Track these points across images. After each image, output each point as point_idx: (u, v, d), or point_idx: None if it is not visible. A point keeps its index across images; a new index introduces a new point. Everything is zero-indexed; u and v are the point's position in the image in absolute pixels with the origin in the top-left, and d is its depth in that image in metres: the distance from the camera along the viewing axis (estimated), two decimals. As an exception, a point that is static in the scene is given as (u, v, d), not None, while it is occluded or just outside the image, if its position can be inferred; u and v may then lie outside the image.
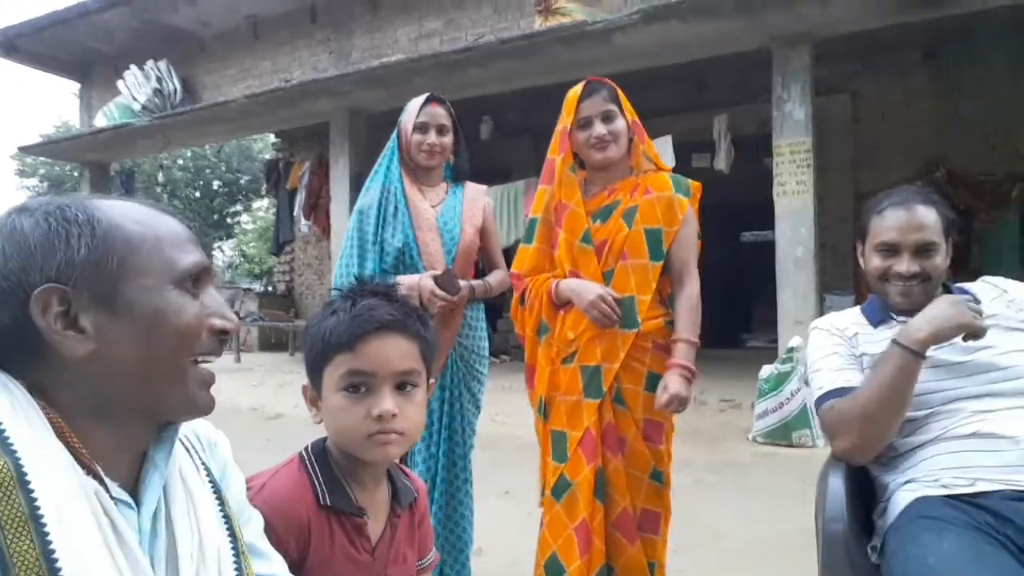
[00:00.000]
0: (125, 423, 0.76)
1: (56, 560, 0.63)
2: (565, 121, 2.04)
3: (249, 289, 13.89)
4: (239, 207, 23.24)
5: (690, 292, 2.00)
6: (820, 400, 1.68)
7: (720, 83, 7.80)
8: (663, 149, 6.74)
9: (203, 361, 0.79)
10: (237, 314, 11.53)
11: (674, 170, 2.17)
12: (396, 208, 2.36)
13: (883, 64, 7.76)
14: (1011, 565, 1.29)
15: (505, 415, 5.16)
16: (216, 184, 22.51)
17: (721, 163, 7.32)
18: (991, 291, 1.71)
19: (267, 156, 13.57)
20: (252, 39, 9.27)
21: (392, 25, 8.22)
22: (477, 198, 2.48)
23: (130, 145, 9.56)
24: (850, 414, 1.57)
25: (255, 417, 6.34)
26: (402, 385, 1.10)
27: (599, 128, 1.99)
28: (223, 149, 20.89)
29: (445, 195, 2.45)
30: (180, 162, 21.49)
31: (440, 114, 2.37)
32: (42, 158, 20.05)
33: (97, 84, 10.84)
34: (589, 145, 2.01)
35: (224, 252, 25.06)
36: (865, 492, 1.65)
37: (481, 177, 2.56)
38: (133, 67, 9.46)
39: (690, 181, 2.08)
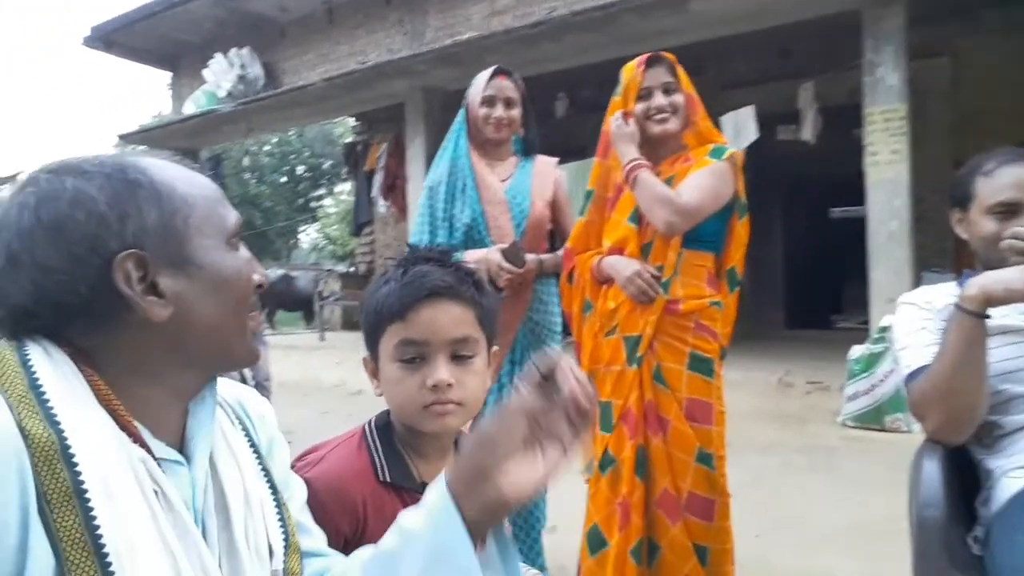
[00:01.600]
0: (179, 380, 0.76)
1: (100, 536, 0.62)
2: (625, 95, 2.04)
3: (332, 270, 14.29)
4: (322, 191, 23.92)
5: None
6: (908, 378, 1.55)
7: (805, 50, 7.44)
8: (745, 121, 6.49)
9: (252, 317, 0.82)
10: (320, 294, 11.92)
11: (757, 143, 2.10)
12: (464, 183, 2.34)
13: (988, 22, 7.19)
14: None
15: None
16: (300, 169, 23.21)
17: (807, 134, 6.99)
18: None
19: (347, 140, 13.86)
20: (328, 24, 9.45)
21: (465, 3, 8.21)
22: (547, 171, 2.43)
23: (216, 131, 9.94)
24: (930, 389, 1.45)
25: (338, 393, 6.52)
26: (458, 353, 1.06)
27: (659, 99, 1.97)
28: (304, 134, 21.47)
29: (514, 169, 2.42)
30: (266, 148, 22.26)
31: (507, 87, 2.33)
32: (140, 147, 21.18)
33: (186, 73, 11.32)
34: (647, 116, 1.99)
35: (309, 235, 25.89)
36: (967, 478, 1.52)
37: (556, 155, 2.52)
38: (218, 55, 9.81)
39: (732, 150, 2.00)
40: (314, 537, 0.92)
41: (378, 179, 9.42)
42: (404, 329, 1.04)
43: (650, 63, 2.00)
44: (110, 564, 0.62)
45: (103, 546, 0.62)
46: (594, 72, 7.45)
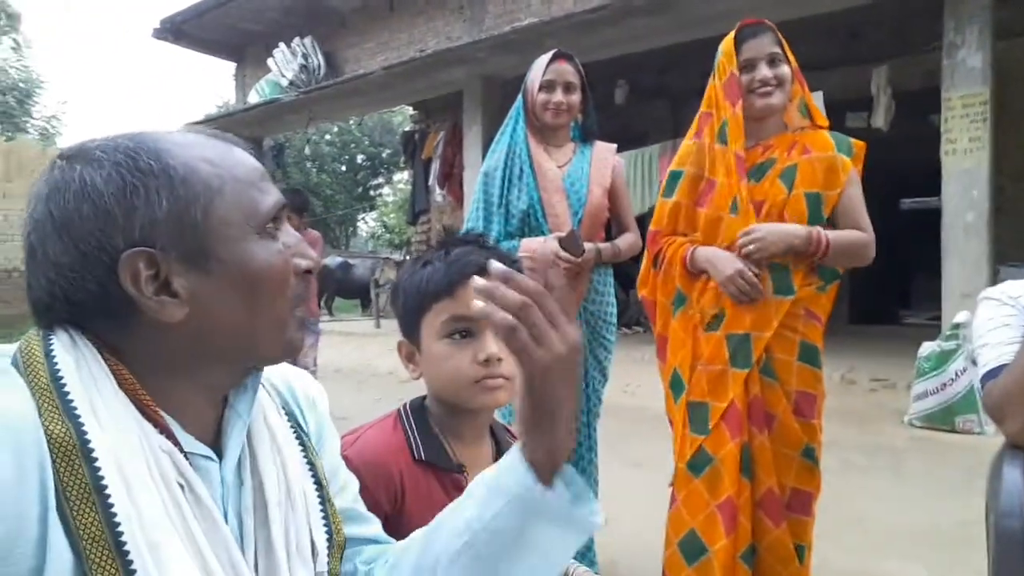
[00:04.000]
0: (209, 376, 0.72)
1: (121, 533, 0.60)
2: (728, 66, 1.86)
3: (388, 258, 14.47)
4: (381, 179, 24.25)
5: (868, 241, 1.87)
6: (986, 377, 1.46)
7: (877, 32, 7.14)
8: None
9: (299, 308, 0.76)
10: (376, 282, 12.08)
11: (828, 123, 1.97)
12: (521, 169, 2.31)
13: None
14: None
15: (636, 386, 5.05)
16: (360, 158, 23.57)
17: (880, 121, 6.70)
18: None
19: (406, 128, 13.98)
20: (389, 12, 9.52)
21: (525, -13, 8.15)
22: (606, 157, 2.38)
23: (279, 120, 10.14)
24: (1013, 389, 1.35)
25: (391, 380, 6.60)
26: None
27: (764, 71, 1.82)
28: (364, 123, 21.78)
29: (572, 155, 2.37)
30: (327, 137, 22.65)
31: (567, 71, 2.27)
32: (207, 136, 21.82)
33: (250, 63, 11.58)
34: (751, 89, 1.84)
35: (367, 223, 26.27)
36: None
37: (615, 142, 2.46)
38: (282, 45, 10.00)
39: (853, 140, 1.90)
40: (370, 524, 0.90)
41: (435, 167, 9.47)
42: (453, 306, 1.06)
43: (752, 33, 1.84)
44: (131, 562, 0.59)
45: (124, 543, 0.59)
46: (654, 58, 7.33)
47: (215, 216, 0.67)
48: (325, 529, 0.79)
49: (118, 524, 0.60)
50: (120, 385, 0.65)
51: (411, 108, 11.69)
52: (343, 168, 23.44)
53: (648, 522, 2.71)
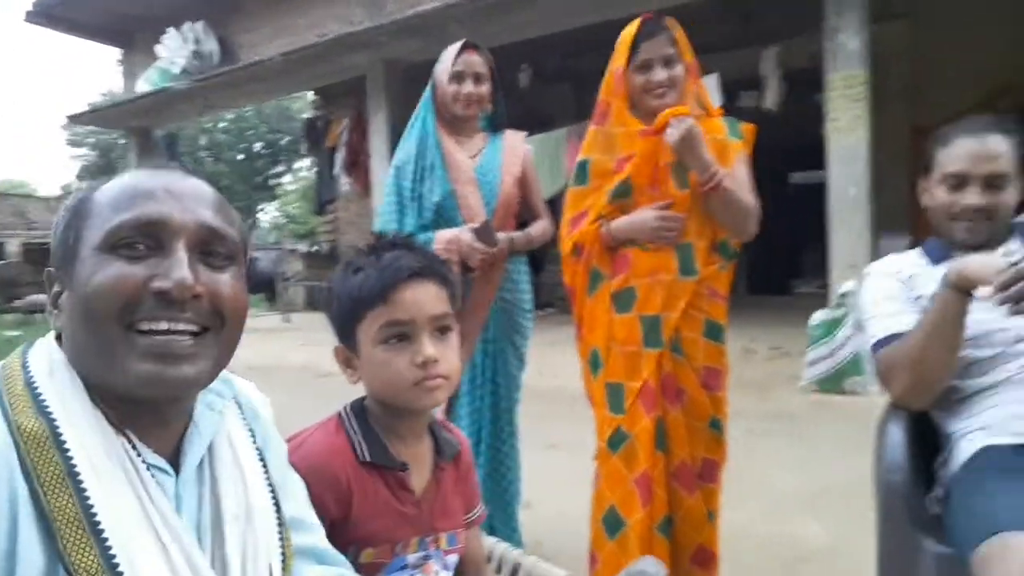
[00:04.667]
0: (111, 399, 0.73)
1: (95, 515, 0.64)
2: (619, 61, 1.93)
3: (294, 250, 14.08)
4: (281, 168, 23.52)
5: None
6: (876, 346, 1.60)
7: (769, 15, 7.46)
8: (710, 88, 6.51)
9: (149, 330, 0.70)
10: (282, 275, 11.75)
11: (721, 109, 2.07)
12: (433, 162, 2.32)
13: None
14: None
15: (552, 368, 5.15)
16: (258, 146, 22.76)
17: (770, 101, 7.07)
18: None
19: (306, 115, 13.59)
20: (284, -5, 9.20)
21: (426, -28, 8.05)
22: (516, 147, 2.42)
23: (170, 109, 9.67)
24: (901, 357, 1.50)
25: (305, 375, 6.47)
26: (438, 329, 1.11)
27: (659, 74, 1.88)
28: (262, 110, 21.04)
29: (483, 146, 2.40)
30: (222, 125, 21.73)
31: (476, 62, 2.29)
32: (91, 127, 20.48)
33: (138, 50, 10.95)
34: (647, 90, 1.91)
35: (268, 213, 25.43)
36: (927, 441, 1.59)
37: (521, 127, 2.49)
38: (171, 30, 9.50)
39: (743, 124, 2.01)
40: (313, 533, 0.93)
41: (340, 156, 9.30)
42: (388, 311, 1.08)
43: (650, 33, 1.90)
44: (107, 539, 0.64)
45: (98, 523, 0.64)
46: (559, 41, 7.40)
47: (81, 237, 0.73)
48: (280, 549, 0.82)
49: (92, 507, 0.64)
50: (88, 394, 0.71)
51: (312, 94, 11.40)
52: (240, 157, 22.57)
53: (570, 502, 2.79)
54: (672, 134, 1.82)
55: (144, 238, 0.72)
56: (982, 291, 1.34)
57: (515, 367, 2.41)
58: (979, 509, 1.27)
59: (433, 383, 1.08)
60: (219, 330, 0.75)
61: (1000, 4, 7.19)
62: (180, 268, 0.71)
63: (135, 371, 0.69)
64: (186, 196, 0.75)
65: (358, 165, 9.05)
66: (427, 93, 2.38)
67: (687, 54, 1.94)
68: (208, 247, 0.75)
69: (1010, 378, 1.46)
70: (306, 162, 22.07)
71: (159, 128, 10.96)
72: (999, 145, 1.54)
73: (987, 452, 1.40)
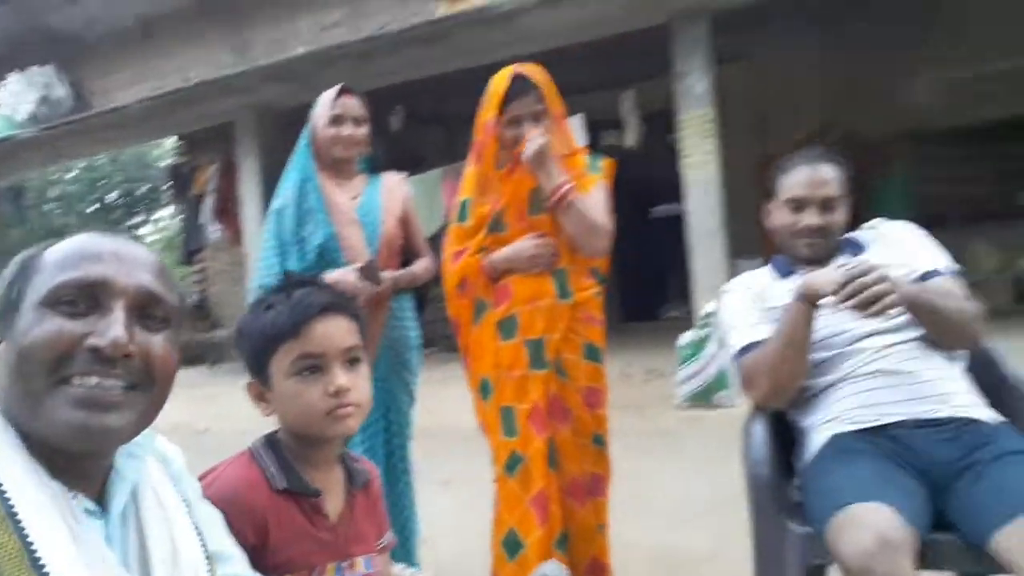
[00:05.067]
0: (43, 446, 0.75)
1: (35, 551, 0.66)
2: (490, 113, 2.04)
3: (160, 301, 13.29)
4: (140, 218, 22.20)
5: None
6: (737, 356, 1.79)
7: (625, 60, 7.96)
8: (575, 129, 6.86)
9: (80, 384, 0.74)
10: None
11: (586, 148, 2.24)
12: (314, 204, 2.34)
13: (777, 31, 8.07)
14: (911, 484, 1.43)
15: (439, 406, 5.17)
16: (112, 195, 21.44)
17: (631, 139, 7.51)
18: (870, 235, 1.87)
19: (166, 162, 13.01)
20: (144, 39, 8.85)
21: (293, 17, 8.02)
22: (396, 188, 2.48)
23: (14, 159, 8.97)
24: (760, 363, 1.69)
25: (183, 432, 6.12)
26: (349, 361, 1.16)
27: (529, 129, 2.00)
28: (117, 158, 19.90)
29: (363, 187, 2.44)
30: (71, 175, 20.35)
31: (354, 105, 2.36)
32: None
33: (-25, 95, 10.11)
34: (516, 142, 2.02)
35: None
36: (786, 438, 1.77)
37: (395, 168, 2.55)
38: (14, 75, 8.88)
39: (603, 159, 2.17)
40: (235, 562, 0.95)
41: (208, 203, 8.96)
42: (300, 345, 1.13)
43: (519, 91, 2.01)
44: (48, 574, 0.66)
45: (39, 559, 0.66)
46: (431, 84, 7.56)
47: (24, 293, 0.76)
48: None
49: (32, 544, 0.67)
50: (23, 443, 0.73)
51: (173, 140, 10.96)
52: (93, 208, 21.16)
53: (467, 535, 2.83)
54: (527, 150, 1.96)
55: (85, 297, 0.76)
56: (827, 300, 1.55)
57: (406, 403, 2.44)
58: (828, 488, 1.45)
59: (345, 411, 1.13)
60: (147, 389, 0.78)
61: (823, 50, 8.08)
62: (116, 327, 0.75)
63: (63, 419, 0.72)
64: (130, 260, 0.79)
65: (228, 212, 8.75)
66: (304, 137, 2.41)
67: (554, 104, 2.07)
68: (146, 310, 0.79)
69: (849, 374, 1.67)
70: (167, 211, 21.01)
71: (2, 180, 10.16)
72: (830, 172, 1.78)
73: (833, 440, 1.59)
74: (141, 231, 22.49)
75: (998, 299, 6.93)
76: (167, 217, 21.41)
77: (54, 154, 8.90)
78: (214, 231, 9.19)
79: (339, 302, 1.18)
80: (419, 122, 8.87)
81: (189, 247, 9.87)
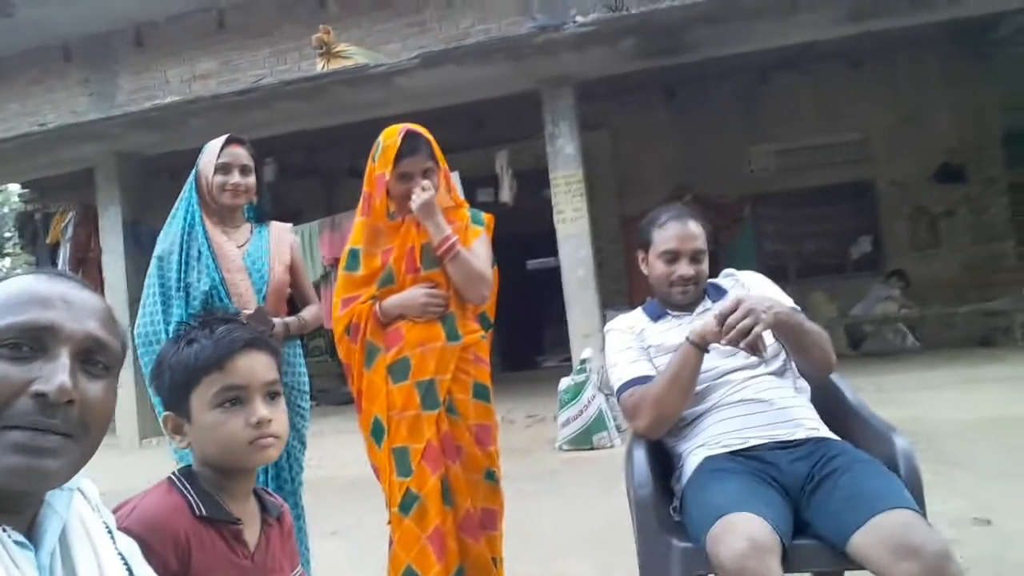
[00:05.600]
0: None
1: None
2: (383, 168, 2.12)
3: None
4: (-26, 268, 20.19)
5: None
6: (620, 389, 1.96)
7: (498, 121, 8.34)
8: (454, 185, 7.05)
9: (19, 426, 0.74)
10: None
11: (466, 202, 2.38)
12: (200, 251, 2.33)
13: (634, 103, 8.78)
14: (776, 497, 1.63)
15: (319, 458, 5.07)
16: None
17: (505, 196, 7.80)
18: (730, 281, 2.13)
19: (7, 209, 12.02)
20: (-10, 79, 8.29)
21: (161, 65, 7.82)
22: (283, 237, 2.52)
23: None
24: (646, 397, 1.86)
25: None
26: (269, 394, 1.21)
27: (420, 185, 2.10)
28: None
29: (250, 235, 2.46)
30: None
31: (242, 154, 2.39)
32: None
33: None
34: (406, 197, 2.12)
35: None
36: (664, 464, 1.94)
37: (268, 219, 2.58)
38: None
39: (485, 215, 2.32)
40: None
41: (65, 252, 8.38)
42: (223, 377, 1.17)
43: (411, 149, 2.10)
44: None
45: None
46: (303, 138, 7.56)
47: None
48: None
49: None
50: None
51: (19, 186, 10.20)
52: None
53: (358, 584, 2.82)
54: (415, 200, 2.08)
55: (31, 341, 0.76)
56: (716, 344, 1.75)
57: (297, 450, 2.43)
58: (705, 502, 1.62)
59: (266, 442, 1.18)
60: (82, 438, 0.79)
61: (672, 121, 8.85)
62: (62, 374, 0.76)
63: (5, 464, 0.73)
64: (78, 306, 0.80)
65: (87, 262, 8.21)
66: (189, 184, 2.40)
67: (441, 160, 2.20)
68: (90, 356, 0.80)
69: (716, 403, 1.88)
70: (7, 262, 19.27)
71: None
72: (696, 228, 2.03)
73: (706, 462, 1.78)
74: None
75: (835, 344, 7.64)
76: (6, 268, 19.61)
77: None
78: (69, 283, 8.56)
79: (260, 338, 1.23)
80: (293, 175, 8.79)
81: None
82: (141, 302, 2.37)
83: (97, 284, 7.93)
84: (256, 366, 1.19)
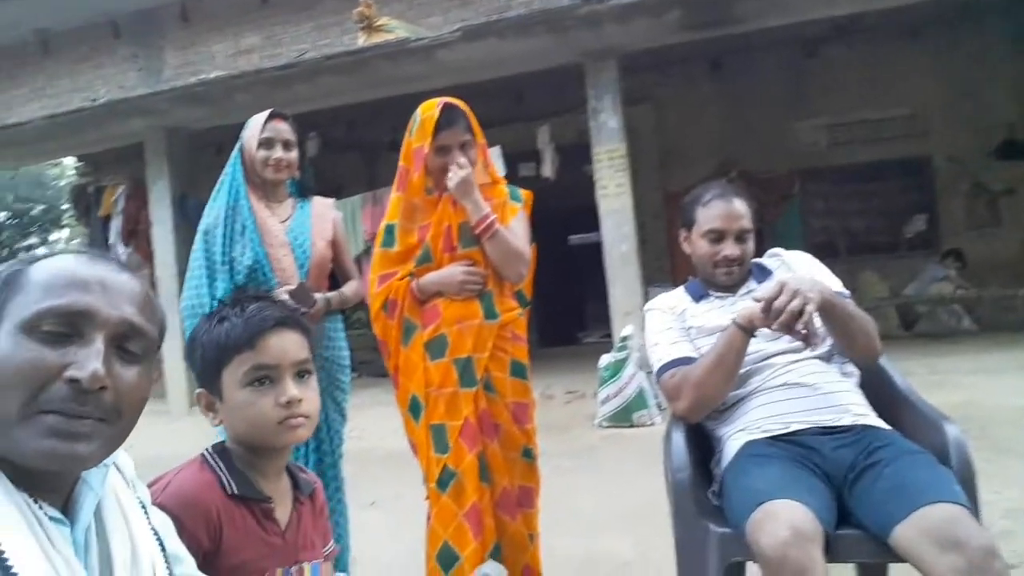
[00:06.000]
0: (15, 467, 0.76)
1: (7, 559, 0.68)
2: (421, 142, 2.11)
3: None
4: (34, 239, 20.93)
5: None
6: (660, 370, 1.92)
7: (540, 95, 8.25)
8: (494, 160, 7.02)
9: (52, 411, 0.74)
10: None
11: (505, 179, 2.35)
12: (244, 225, 2.34)
13: (678, 76, 8.58)
14: (819, 485, 1.58)
15: (361, 429, 5.15)
16: (2, 216, 20.15)
17: (547, 171, 7.74)
18: (775, 262, 2.06)
19: (64, 182, 12.38)
20: (43, 55, 8.48)
21: (207, 40, 7.90)
22: (326, 212, 2.52)
23: None
24: (687, 379, 1.82)
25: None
26: (300, 373, 1.21)
27: (459, 158, 2.09)
28: (14, 178, 18.76)
29: (292, 211, 2.47)
30: (-45, 194, 19.05)
31: (284, 129, 2.39)
32: None
33: None
34: (444, 171, 2.11)
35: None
36: (703, 447, 1.91)
37: (311, 195, 2.58)
38: None
39: (523, 191, 2.29)
40: (184, 564, 0.97)
41: (116, 224, 8.60)
42: (254, 356, 1.17)
43: (449, 122, 2.08)
44: None
45: (11, 567, 0.68)
46: (345, 112, 7.59)
47: (6, 309, 0.77)
48: None
49: (3, 552, 0.68)
50: None
51: (75, 160, 10.48)
52: (-20, 228, 19.84)
53: (393, 555, 2.86)
54: (452, 179, 2.06)
55: (68, 326, 0.76)
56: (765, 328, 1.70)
57: (337, 422, 2.46)
58: (746, 488, 1.58)
59: (296, 421, 1.18)
60: (115, 422, 0.80)
61: (718, 95, 8.62)
62: (95, 360, 0.76)
63: (32, 446, 0.74)
64: (115, 291, 0.80)
65: (137, 234, 8.43)
66: (234, 159, 2.41)
67: (479, 135, 2.18)
68: (125, 341, 0.80)
69: (759, 387, 1.83)
70: (65, 232, 19.91)
71: None
72: (742, 206, 1.96)
73: (747, 447, 1.74)
74: (35, 253, 21.18)
75: (887, 325, 7.50)
76: (64, 239, 20.28)
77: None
78: (122, 254, 8.81)
79: (292, 317, 1.23)
80: (335, 149, 8.85)
81: (93, 271, 9.38)
82: (187, 275, 2.41)
83: (147, 257, 8.17)
84: (287, 345, 1.19)
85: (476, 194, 2.09)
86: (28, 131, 7.14)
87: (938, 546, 1.33)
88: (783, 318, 1.61)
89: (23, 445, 0.73)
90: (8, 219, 20.22)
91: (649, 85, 8.46)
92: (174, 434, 5.34)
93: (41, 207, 19.95)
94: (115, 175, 9.06)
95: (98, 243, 9.06)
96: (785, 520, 1.40)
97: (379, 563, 2.84)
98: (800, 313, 1.60)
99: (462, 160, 2.08)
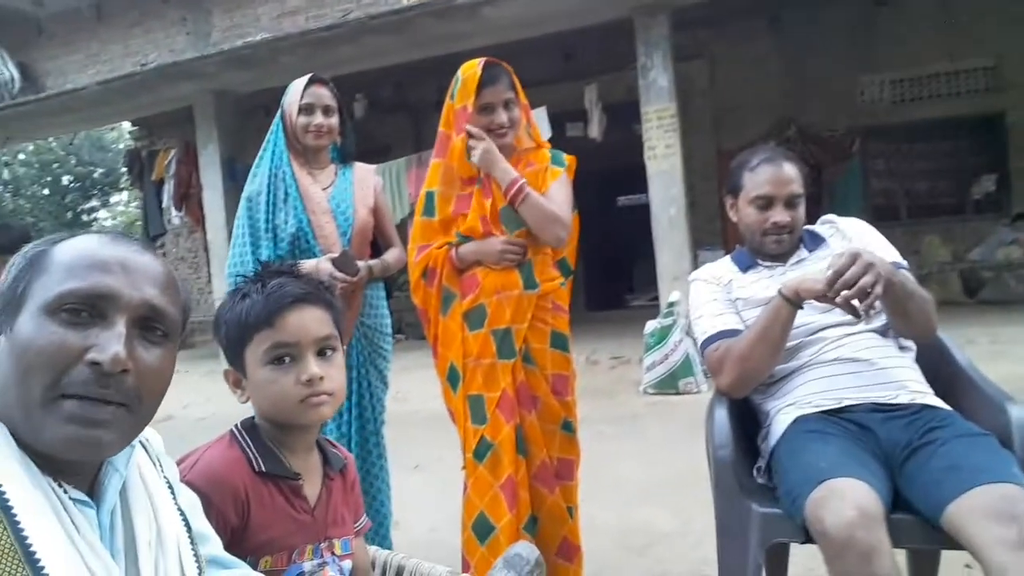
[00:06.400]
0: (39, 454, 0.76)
1: (31, 545, 0.67)
2: (464, 101, 2.07)
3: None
4: (95, 202, 21.61)
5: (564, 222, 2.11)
6: (705, 343, 1.86)
7: (588, 53, 8.05)
8: (539, 120, 6.91)
9: (75, 395, 0.74)
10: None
11: (550, 140, 2.28)
12: (287, 193, 2.34)
13: (734, 30, 8.24)
14: (873, 463, 1.51)
15: (405, 391, 5.21)
16: (66, 179, 20.82)
17: (595, 131, 7.58)
18: (829, 229, 1.95)
19: (122, 146, 12.68)
20: (97, 21, 8.63)
21: (252, 3, 7.91)
22: (367, 178, 2.49)
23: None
24: (731, 353, 1.75)
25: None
26: (322, 350, 1.18)
27: (501, 116, 2.06)
28: (74, 141, 19.33)
29: (335, 177, 2.44)
30: (22, 157, 19.72)
31: (325, 95, 2.35)
32: None
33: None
34: (489, 130, 2.07)
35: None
36: (748, 422, 1.85)
37: (358, 156, 2.56)
38: (-42, 55, 8.61)
39: (566, 155, 2.22)
40: (210, 544, 0.97)
41: (169, 188, 8.80)
42: (273, 334, 1.14)
43: (491, 79, 2.05)
44: (43, 568, 0.67)
45: (34, 552, 0.67)
46: (391, 73, 7.53)
47: (30, 290, 0.76)
48: (196, 568, 0.87)
49: (27, 538, 0.68)
50: (15, 439, 0.74)
51: (130, 124, 10.71)
52: (45, 191, 20.53)
53: (436, 519, 2.89)
54: (474, 153, 2.02)
55: (89, 308, 0.75)
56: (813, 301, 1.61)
57: (380, 390, 2.47)
58: (804, 464, 1.51)
59: (318, 399, 1.15)
60: (136, 408, 0.79)
61: (777, 49, 8.25)
62: (116, 343, 0.75)
63: (54, 433, 0.73)
64: (138, 272, 0.79)
65: (189, 198, 8.61)
66: (276, 125, 2.39)
67: (521, 95, 2.13)
68: (148, 323, 0.79)
69: (809, 361, 1.75)
70: (123, 195, 20.49)
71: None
72: (792, 171, 1.85)
73: (799, 422, 1.67)
74: (97, 215, 21.93)
75: (949, 291, 7.20)
76: (124, 202, 20.87)
77: (3, 137, 8.63)
78: (175, 216, 9.04)
79: (313, 292, 1.19)
80: (382, 110, 8.83)
81: (150, 232, 9.65)
82: (231, 241, 2.42)
83: (198, 221, 8.34)
84: (307, 322, 1.16)
85: (501, 162, 2.05)
86: (83, 96, 7.30)
87: (989, 519, 1.26)
88: (851, 292, 1.51)
89: (45, 433, 0.73)
90: (71, 183, 20.88)
91: (703, 41, 8.16)
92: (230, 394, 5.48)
93: (101, 171, 20.52)
94: (167, 139, 9.24)
95: (153, 206, 9.29)
96: (851, 499, 1.33)
97: (422, 526, 2.88)
98: (866, 290, 1.51)
99: (476, 131, 2.04)
